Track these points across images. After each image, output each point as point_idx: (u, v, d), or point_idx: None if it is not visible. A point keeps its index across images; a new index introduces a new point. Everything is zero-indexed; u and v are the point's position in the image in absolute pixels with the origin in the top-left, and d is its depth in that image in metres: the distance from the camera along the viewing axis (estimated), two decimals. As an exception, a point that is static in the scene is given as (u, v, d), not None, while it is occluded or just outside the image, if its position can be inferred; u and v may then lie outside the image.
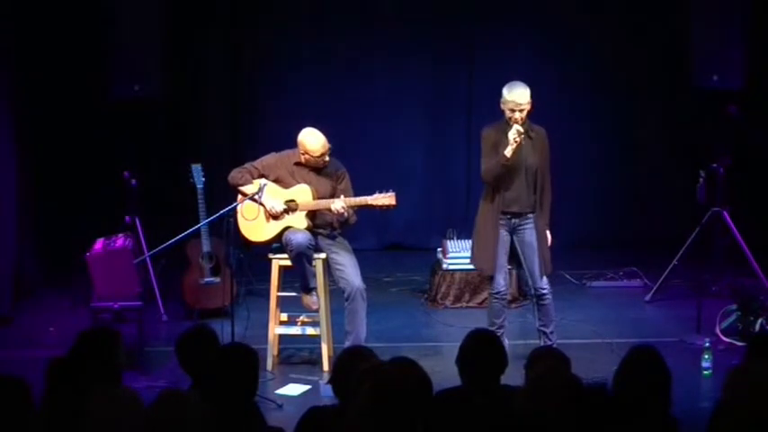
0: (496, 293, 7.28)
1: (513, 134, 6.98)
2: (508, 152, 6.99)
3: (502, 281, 7.26)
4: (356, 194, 7.38)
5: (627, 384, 4.26)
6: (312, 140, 7.29)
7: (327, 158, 7.32)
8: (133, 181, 8.81)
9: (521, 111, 7.03)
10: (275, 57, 10.50)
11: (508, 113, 7.05)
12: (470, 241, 8.99)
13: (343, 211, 7.20)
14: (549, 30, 10.52)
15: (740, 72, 8.91)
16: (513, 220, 7.19)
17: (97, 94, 9.17)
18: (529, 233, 7.18)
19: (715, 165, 8.86)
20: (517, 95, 7.03)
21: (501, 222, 7.17)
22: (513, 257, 7.28)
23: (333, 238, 7.40)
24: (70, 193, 9.71)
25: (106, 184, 9.42)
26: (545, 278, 7.20)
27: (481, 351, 4.55)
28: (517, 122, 7.01)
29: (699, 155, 9.36)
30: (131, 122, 9.17)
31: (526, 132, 7.09)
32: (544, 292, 7.21)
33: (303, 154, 7.32)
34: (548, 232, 7.29)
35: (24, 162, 9.02)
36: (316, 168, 7.37)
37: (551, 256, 7.28)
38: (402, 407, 3.75)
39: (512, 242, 7.23)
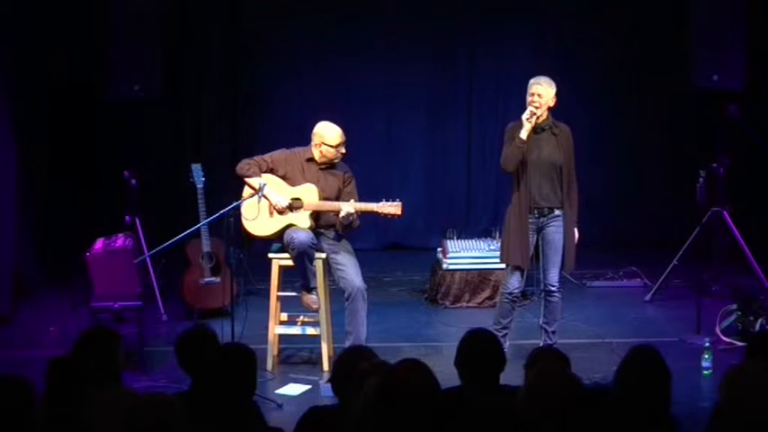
0: (509, 293, 7.28)
1: (525, 114, 7.05)
2: (523, 134, 7.03)
3: (516, 282, 7.26)
4: (359, 196, 7.40)
5: (627, 384, 4.26)
6: (329, 131, 7.30)
7: (344, 150, 7.33)
8: (133, 181, 8.80)
9: (538, 95, 7.08)
10: (275, 57, 10.50)
11: (527, 98, 7.13)
12: (471, 241, 9.07)
13: (351, 215, 7.20)
14: (550, 30, 10.53)
15: (740, 72, 8.91)
16: (542, 219, 7.19)
17: (97, 94, 9.17)
18: (554, 230, 7.18)
19: (715, 165, 8.86)
20: (536, 78, 7.16)
21: (530, 221, 7.16)
22: (534, 255, 7.28)
23: (335, 238, 7.40)
24: (70, 193, 9.70)
25: (106, 184, 9.42)
26: (557, 276, 7.19)
27: (479, 350, 4.54)
28: (534, 108, 7.05)
29: (699, 155, 9.36)
30: (131, 122, 9.17)
31: (550, 129, 7.13)
32: (553, 289, 7.21)
33: (319, 146, 7.32)
34: (575, 230, 7.27)
35: (24, 162, 9.02)
36: (325, 167, 7.37)
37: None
38: (408, 408, 3.75)
39: (536, 242, 7.22)
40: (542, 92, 7.11)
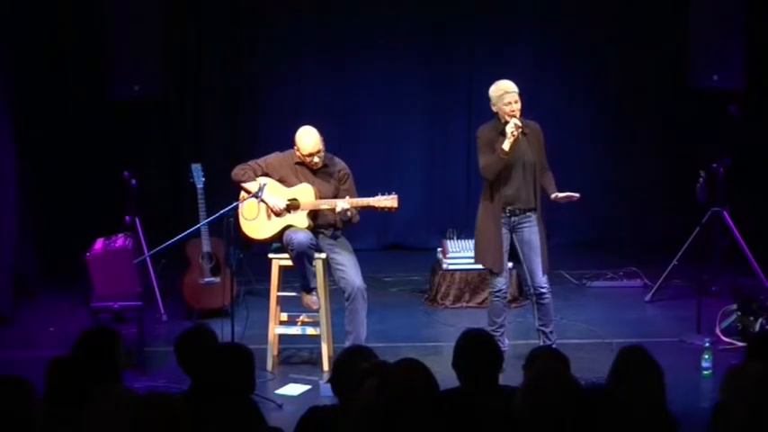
0: (497, 292, 7.27)
1: (510, 127, 7.01)
2: (506, 146, 7.01)
3: (502, 279, 7.26)
4: (358, 194, 7.39)
5: (620, 387, 4.24)
6: (304, 139, 7.29)
7: (317, 160, 7.30)
8: (133, 181, 8.80)
9: (516, 102, 7.04)
10: (275, 56, 10.50)
11: (504, 108, 7.06)
12: (471, 241, 9.07)
13: (347, 211, 7.20)
14: (549, 29, 10.53)
15: (740, 72, 8.91)
16: (513, 218, 7.19)
17: (97, 94, 9.17)
18: (529, 231, 7.18)
19: (715, 165, 8.85)
20: (508, 86, 7.10)
21: (501, 220, 7.17)
22: (513, 256, 7.28)
23: (334, 237, 7.40)
24: (71, 193, 9.71)
25: (106, 185, 9.42)
26: (545, 277, 7.19)
27: (475, 350, 4.52)
28: (515, 115, 7.02)
29: (699, 155, 9.36)
30: (131, 122, 9.17)
31: (521, 128, 7.12)
32: (543, 291, 7.20)
33: (297, 149, 7.33)
34: (561, 195, 7.15)
35: (24, 162, 9.02)
36: (317, 168, 7.37)
37: (550, 250, 7.28)
38: (408, 408, 3.75)
39: (511, 240, 7.23)
40: (518, 98, 7.09)
